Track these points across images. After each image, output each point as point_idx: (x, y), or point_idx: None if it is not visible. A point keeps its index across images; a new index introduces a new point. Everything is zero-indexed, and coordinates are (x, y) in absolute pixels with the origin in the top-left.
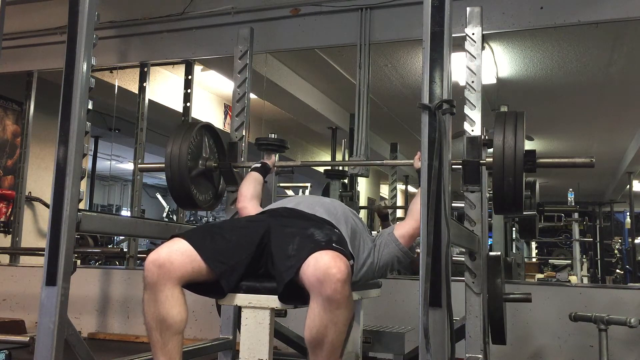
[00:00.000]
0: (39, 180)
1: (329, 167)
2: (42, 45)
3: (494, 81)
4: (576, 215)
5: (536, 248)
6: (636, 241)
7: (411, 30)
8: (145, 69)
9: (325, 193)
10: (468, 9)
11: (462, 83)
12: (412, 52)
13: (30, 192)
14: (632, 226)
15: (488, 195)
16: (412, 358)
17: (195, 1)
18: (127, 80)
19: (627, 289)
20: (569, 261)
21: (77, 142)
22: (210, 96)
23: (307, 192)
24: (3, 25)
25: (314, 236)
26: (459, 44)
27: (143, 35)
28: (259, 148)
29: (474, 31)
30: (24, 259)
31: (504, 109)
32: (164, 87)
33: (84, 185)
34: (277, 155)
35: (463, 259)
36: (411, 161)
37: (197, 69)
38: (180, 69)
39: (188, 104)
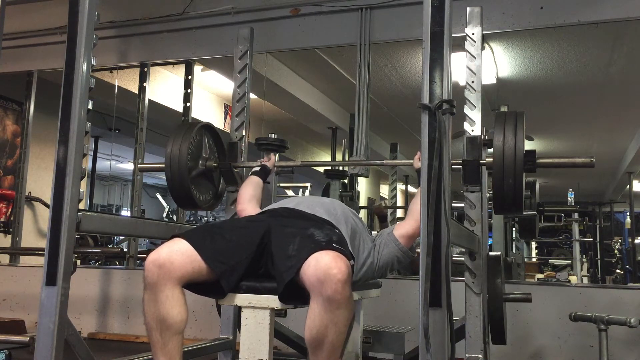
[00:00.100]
0: (39, 180)
1: (329, 167)
2: (42, 45)
3: (494, 81)
4: (576, 215)
5: (536, 248)
6: (636, 241)
7: (411, 30)
8: (145, 69)
9: (325, 193)
10: (468, 9)
11: (462, 83)
12: (412, 52)
13: (30, 192)
14: (632, 226)
15: (488, 195)
16: (412, 358)
17: (195, 1)
18: (127, 80)
19: (627, 289)
20: (569, 261)
21: (77, 142)
22: (210, 96)
23: (307, 192)
24: (3, 25)
25: (315, 236)
26: (459, 44)
27: (143, 35)
28: (259, 148)
29: (474, 31)
30: (24, 259)
31: (504, 109)
32: (164, 87)
33: (84, 185)
34: (277, 155)
35: (463, 259)
36: (411, 161)
37: (197, 69)
38: (180, 69)
39: (188, 104)
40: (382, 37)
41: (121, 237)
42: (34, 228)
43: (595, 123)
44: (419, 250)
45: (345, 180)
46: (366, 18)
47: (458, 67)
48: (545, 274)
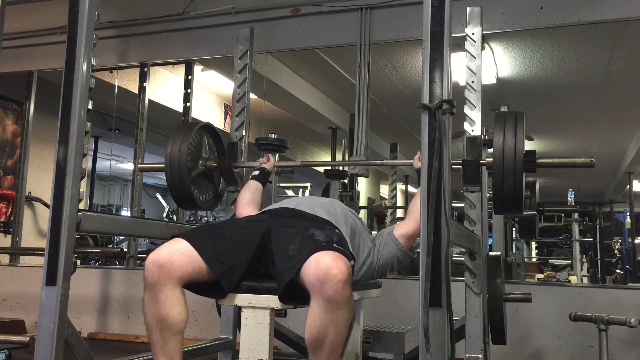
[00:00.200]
0: (39, 180)
1: (329, 167)
2: (42, 45)
3: (494, 81)
4: (576, 215)
5: (536, 248)
6: (636, 241)
7: (411, 30)
8: (145, 69)
9: (325, 193)
10: (468, 9)
11: (462, 83)
12: (412, 52)
13: (30, 192)
14: (632, 226)
15: (488, 195)
16: (412, 358)
17: (195, 1)
18: (127, 80)
19: (627, 289)
20: (569, 261)
21: (77, 142)
22: (210, 96)
23: (307, 192)
24: (3, 25)
25: (315, 236)
26: (459, 44)
27: (143, 35)
28: (259, 148)
29: (474, 31)
30: (24, 259)
31: (504, 109)
32: (164, 87)
33: (84, 185)
34: (277, 155)
35: (463, 259)
36: (411, 161)
37: (197, 69)
38: (180, 69)
39: (188, 104)
40: (382, 37)
41: (121, 237)
42: (34, 228)
43: (595, 123)
44: (419, 250)
45: (345, 180)
46: (366, 18)
47: (458, 67)
48: (545, 274)
